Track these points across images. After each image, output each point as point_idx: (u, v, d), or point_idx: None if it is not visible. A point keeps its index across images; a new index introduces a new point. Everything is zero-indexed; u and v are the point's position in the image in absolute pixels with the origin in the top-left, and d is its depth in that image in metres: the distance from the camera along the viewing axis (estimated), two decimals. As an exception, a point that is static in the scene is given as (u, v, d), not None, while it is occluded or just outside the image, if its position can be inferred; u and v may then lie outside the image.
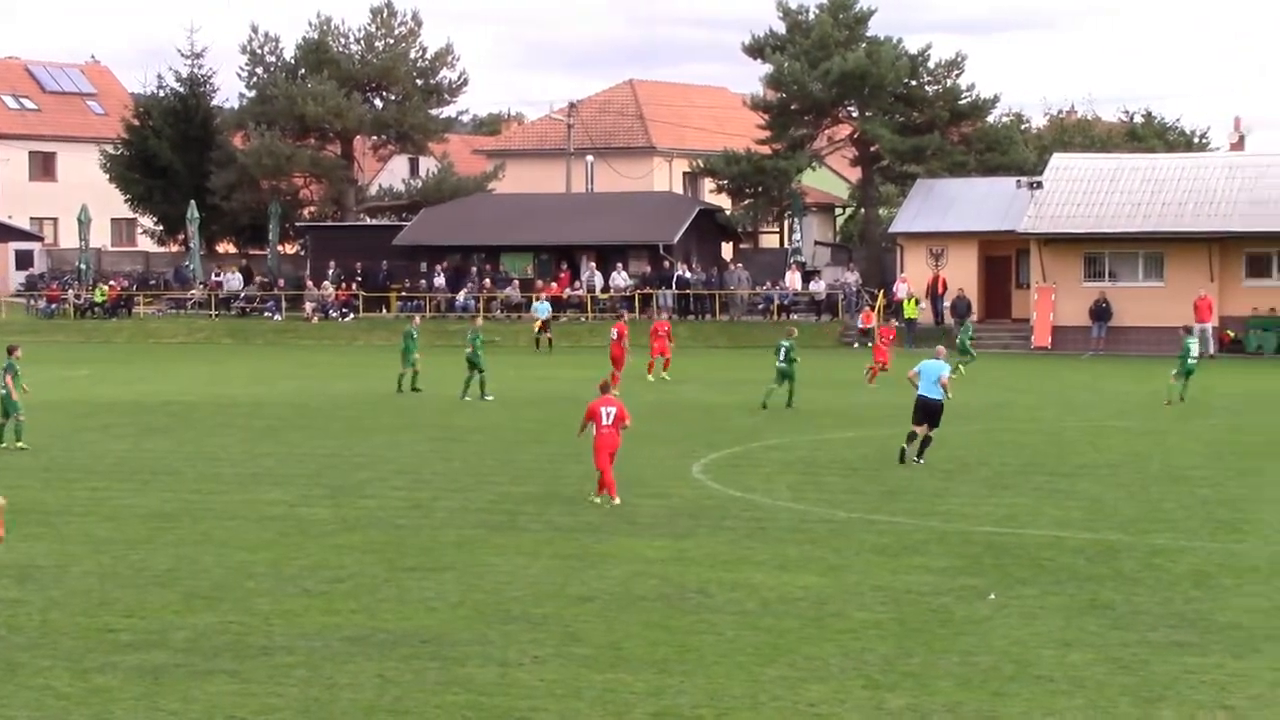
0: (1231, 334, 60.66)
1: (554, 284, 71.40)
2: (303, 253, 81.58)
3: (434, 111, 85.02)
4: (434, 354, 52.95)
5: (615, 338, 46.33)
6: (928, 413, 28.97)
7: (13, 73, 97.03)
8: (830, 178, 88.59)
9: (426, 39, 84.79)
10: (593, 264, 71.67)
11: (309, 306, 73.41)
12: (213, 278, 78.05)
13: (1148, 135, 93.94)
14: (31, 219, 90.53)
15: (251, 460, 30.39)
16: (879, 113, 73.54)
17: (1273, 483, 27.11)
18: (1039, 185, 63.76)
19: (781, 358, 39.50)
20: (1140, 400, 42.39)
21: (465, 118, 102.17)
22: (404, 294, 72.55)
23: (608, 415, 24.74)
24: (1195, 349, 41.73)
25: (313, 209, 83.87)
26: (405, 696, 14.64)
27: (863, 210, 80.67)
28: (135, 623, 17.29)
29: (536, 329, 62.86)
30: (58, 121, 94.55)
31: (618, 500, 24.67)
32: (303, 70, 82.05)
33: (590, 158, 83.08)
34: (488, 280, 72.29)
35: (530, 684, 14.98)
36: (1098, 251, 63.26)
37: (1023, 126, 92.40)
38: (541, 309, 63.78)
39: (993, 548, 21.13)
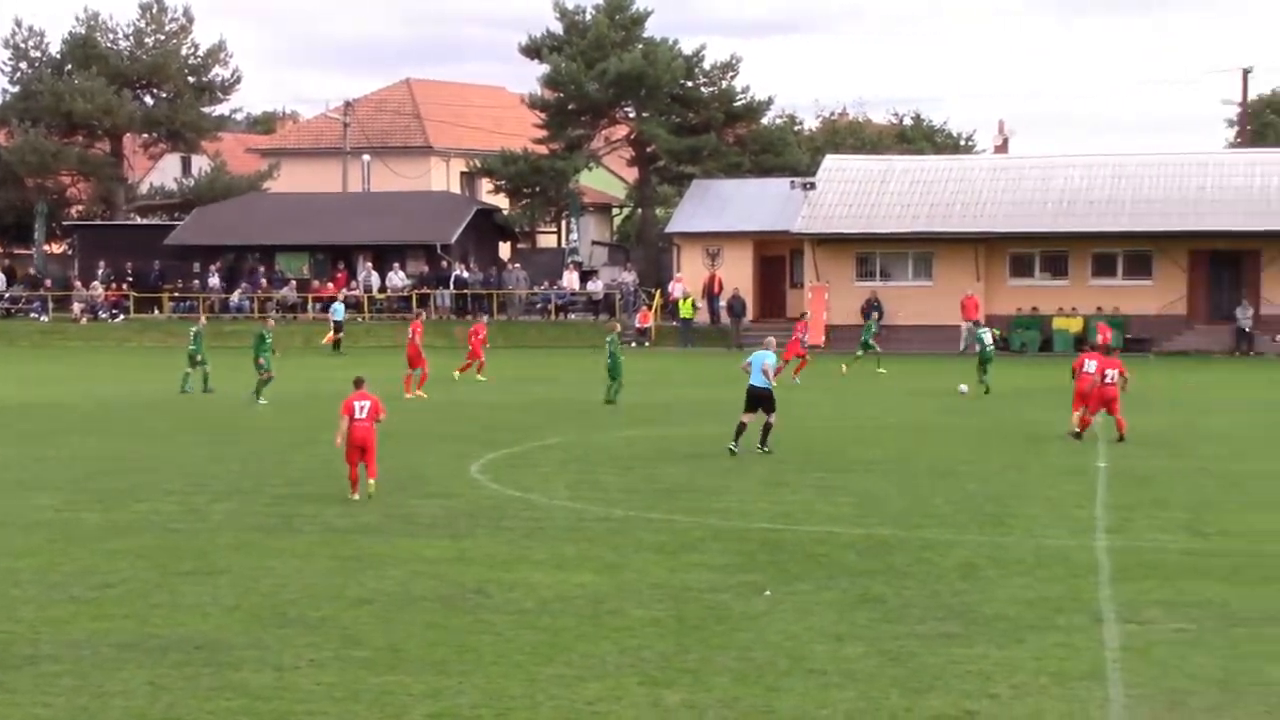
0: (997, 332, 62.19)
1: (330, 284, 70.75)
2: (70, 252, 79.76)
3: (206, 109, 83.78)
4: (208, 355, 52.14)
5: (411, 336, 45.67)
6: (758, 400, 30.39)
7: None
8: (607, 178, 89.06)
9: (198, 35, 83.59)
10: (369, 264, 71.16)
11: (77, 307, 71.80)
12: (-25, 278, 75.93)
13: (917, 137, 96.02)
14: None
15: (18, 465, 29.63)
16: (655, 114, 74.13)
17: (1036, 477, 27.88)
18: (812, 186, 64.81)
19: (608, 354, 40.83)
20: (910, 397, 43.28)
21: (239, 116, 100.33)
22: (177, 295, 71.29)
23: (361, 409, 25.28)
24: (988, 338, 43.38)
25: (81, 208, 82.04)
26: (178, 703, 14.40)
27: (639, 210, 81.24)
28: (-109, 634, 16.77)
29: (333, 330, 62.25)
30: None
31: (373, 484, 25.16)
32: (69, 66, 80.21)
33: (367, 157, 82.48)
34: (263, 280, 71.36)
35: (307, 688, 14.83)
36: (869, 251, 64.49)
37: (796, 128, 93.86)
38: (338, 310, 63.22)
39: (768, 544, 21.43)
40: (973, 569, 19.75)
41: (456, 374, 47.10)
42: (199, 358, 43.78)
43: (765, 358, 30.86)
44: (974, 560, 20.29)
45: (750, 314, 66.96)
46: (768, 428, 30.44)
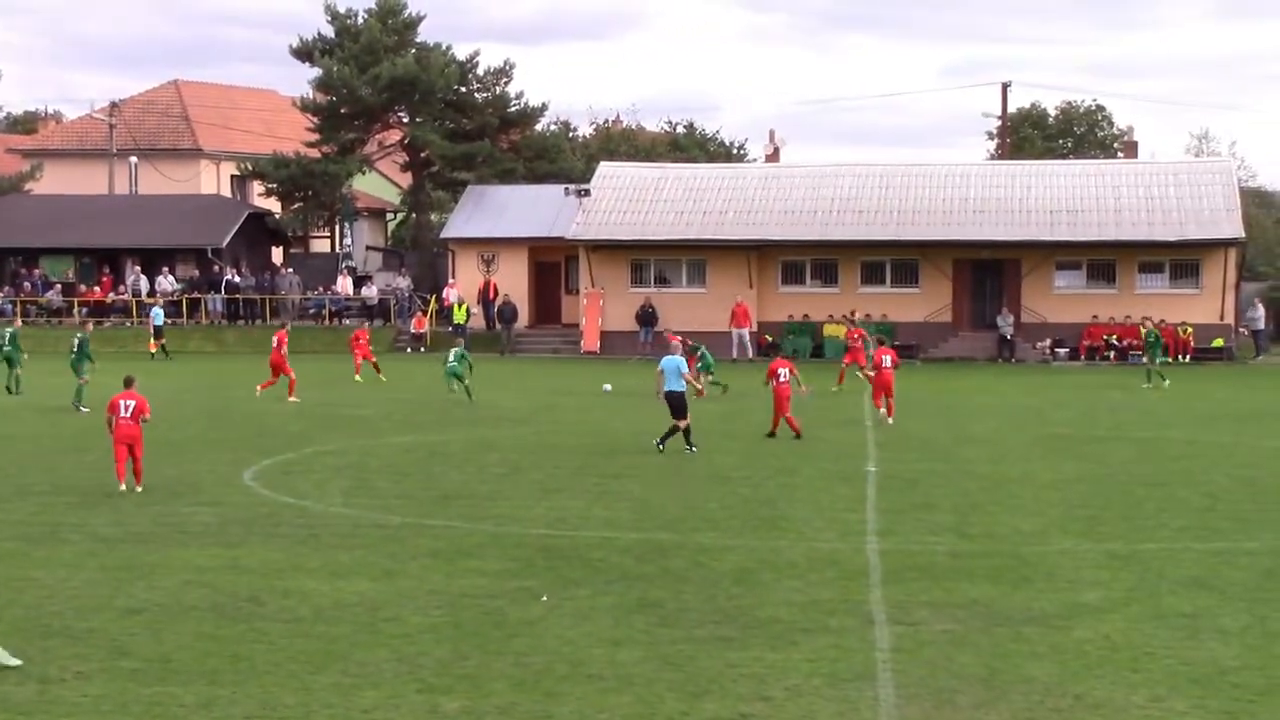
0: (769, 338, 63.10)
1: (97, 288, 69.23)
2: None
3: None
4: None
5: (276, 345, 44.38)
6: (678, 406, 31.82)
7: None
8: (381, 183, 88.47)
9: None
10: (138, 268, 69.77)
11: None
12: None
13: (690, 145, 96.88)
14: None
15: None
16: (429, 119, 73.84)
17: (806, 482, 28.31)
18: (587, 193, 65.10)
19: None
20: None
21: (2, 115, 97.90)
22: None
23: (126, 408, 26.32)
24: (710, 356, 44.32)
25: None
26: (-62, 719, 14.00)
27: (414, 215, 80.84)
28: None
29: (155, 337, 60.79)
30: None
31: (139, 488, 26.06)
32: None
33: (134, 159, 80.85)
34: (26, 284, 69.56)
35: (73, 700, 14.50)
36: (644, 258, 64.95)
37: (570, 135, 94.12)
38: (157, 315, 61.83)
39: (545, 550, 21.47)
40: (747, 573, 20.00)
41: (382, 377, 48.02)
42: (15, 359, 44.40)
43: (679, 363, 32.26)
44: (748, 564, 20.54)
45: (525, 320, 67.02)
46: (688, 430, 31.95)
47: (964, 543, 22.31)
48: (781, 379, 34.61)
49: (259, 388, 43.75)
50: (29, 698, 14.57)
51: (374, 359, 50.43)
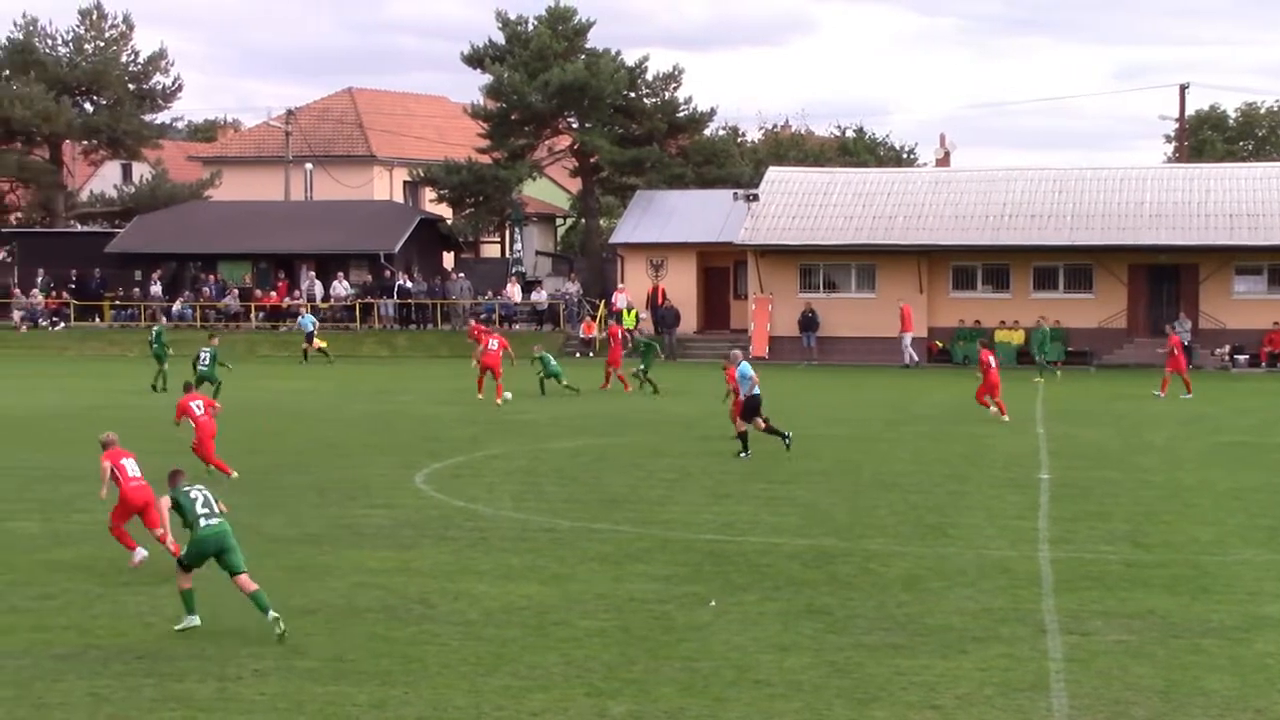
0: (940, 344, 62.55)
1: (273, 293, 70.45)
2: (9, 259, 79.12)
3: (147, 117, 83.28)
4: (149, 363, 51.84)
5: (485, 346, 44.75)
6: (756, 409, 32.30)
7: None
8: (551, 188, 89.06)
9: (139, 42, 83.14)
10: (312, 273, 70.87)
11: (17, 315, 71.22)
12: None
13: (859, 150, 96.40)
14: None
15: (-44, 474, 29.37)
16: (598, 124, 74.16)
17: (977, 489, 28.00)
18: (755, 198, 64.95)
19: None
20: (851, 409, 43.42)
21: (180, 124, 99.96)
22: (118, 303, 70.81)
23: (199, 407, 28.58)
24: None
25: (19, 214, 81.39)
26: (119, 714, 14.31)
27: (583, 221, 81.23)
28: None
29: (305, 341, 61.74)
30: None
31: (235, 474, 28.19)
32: (7, 72, 79.60)
33: (309, 166, 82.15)
34: (205, 289, 70.99)
35: (250, 698, 14.77)
36: (812, 263, 64.66)
37: (739, 140, 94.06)
38: (306, 322, 62.84)
39: (713, 555, 21.46)
40: (916, 580, 19.83)
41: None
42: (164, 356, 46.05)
43: (746, 369, 32.68)
44: (917, 572, 20.37)
45: (694, 325, 67.07)
46: (770, 429, 32.56)
47: (1139, 552, 21.93)
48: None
49: (497, 397, 43.67)
50: (209, 695, 14.86)
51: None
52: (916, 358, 60.79)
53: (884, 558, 21.30)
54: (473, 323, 44.58)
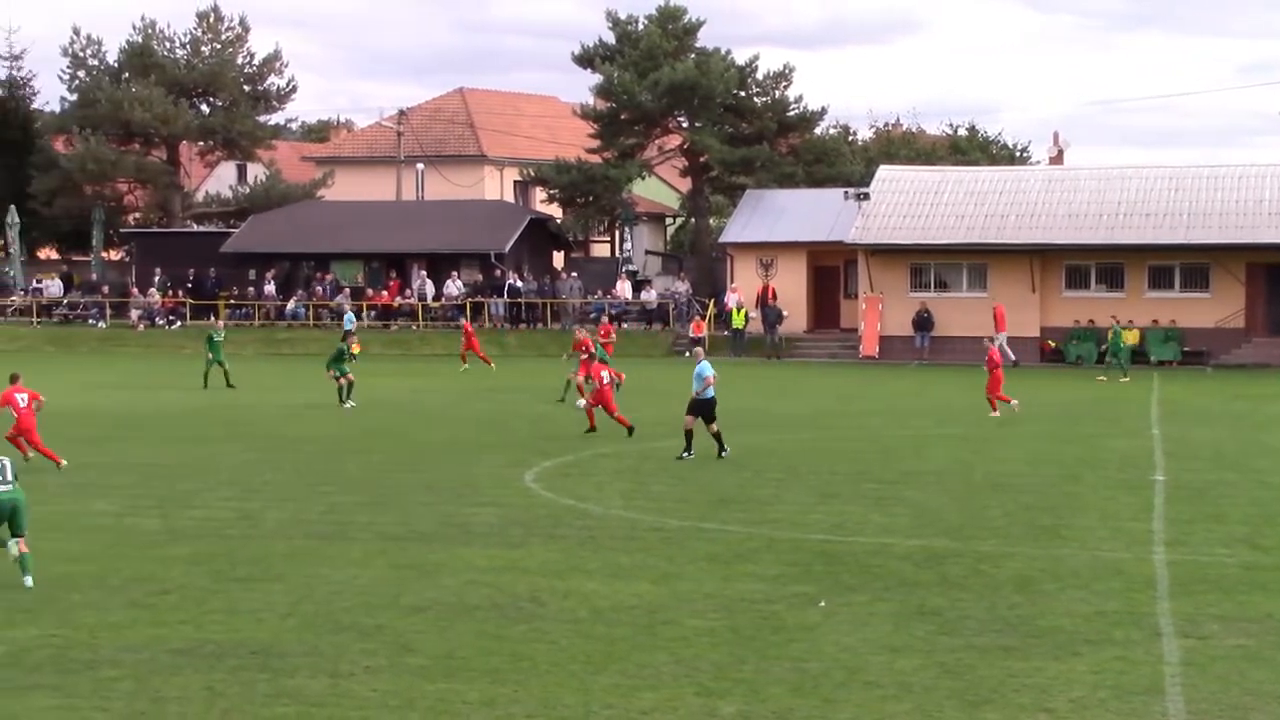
0: (1053, 344, 61.96)
1: (384, 292, 71.00)
2: (128, 259, 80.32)
3: (262, 118, 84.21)
4: (262, 362, 52.55)
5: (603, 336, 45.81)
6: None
7: None
8: (660, 187, 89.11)
9: (254, 44, 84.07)
10: (424, 272, 71.35)
11: (135, 314, 72.25)
12: (33, 284, 76.46)
13: (971, 148, 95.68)
14: None
15: (76, 470, 29.81)
16: (708, 123, 74.13)
17: (1090, 489, 27.72)
18: (866, 197, 64.65)
19: None
20: (963, 409, 43.10)
21: (294, 125, 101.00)
22: (233, 301, 71.67)
23: (23, 400, 29.83)
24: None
25: (138, 215, 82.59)
26: (234, 709, 14.46)
27: (693, 220, 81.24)
28: (-45, 637, 16.91)
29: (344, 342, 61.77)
30: None
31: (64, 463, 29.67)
32: (127, 74, 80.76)
33: (421, 166, 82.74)
34: (318, 288, 71.68)
35: (362, 694, 14.87)
36: (923, 262, 64.28)
37: (850, 139, 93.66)
38: (348, 320, 63.24)
39: (823, 555, 21.37)
40: (1029, 582, 19.64)
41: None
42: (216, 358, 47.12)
43: (705, 368, 31.72)
44: (1029, 573, 20.18)
45: (804, 324, 66.87)
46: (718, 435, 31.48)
47: (1258, 555, 21.60)
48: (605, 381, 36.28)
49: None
50: (321, 690, 14.98)
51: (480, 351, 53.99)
52: (1014, 357, 60.17)
53: (996, 559, 21.12)
54: (582, 334, 44.41)
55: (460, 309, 68.57)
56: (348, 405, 41.16)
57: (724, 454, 31.25)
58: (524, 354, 65.01)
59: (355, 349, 59.29)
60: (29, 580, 19.24)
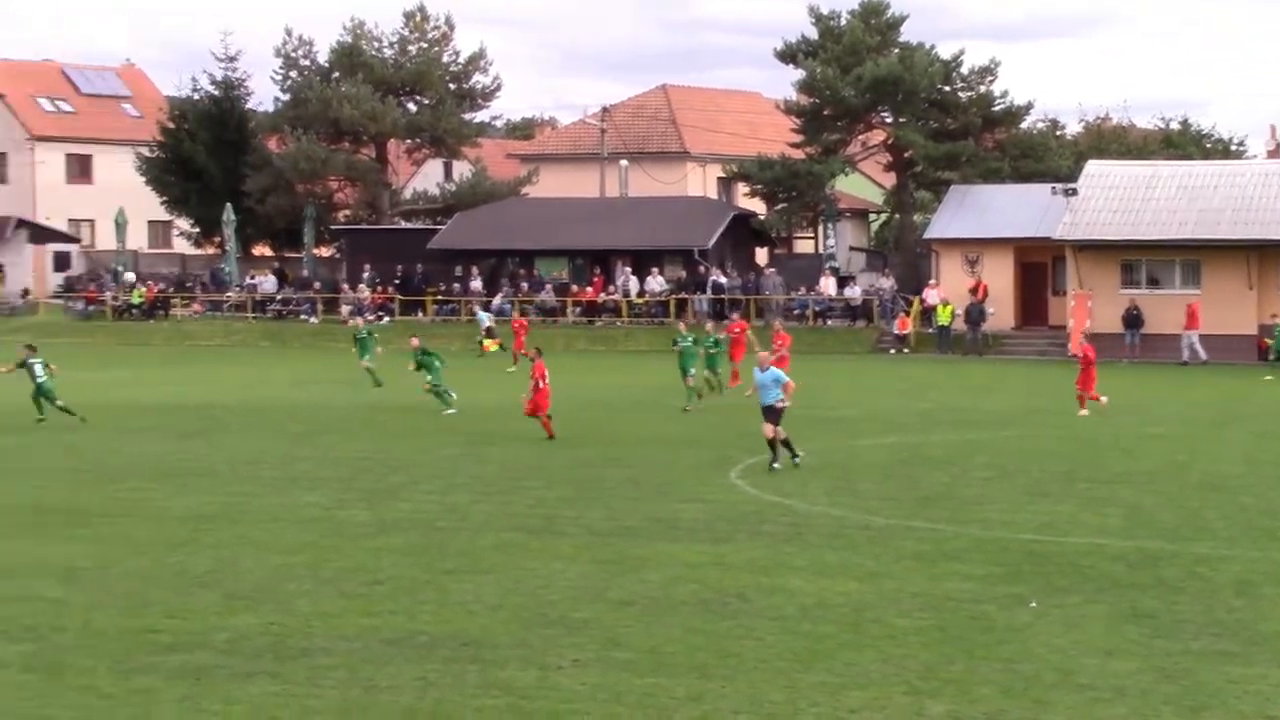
0: (1269, 341, 60.34)
1: (589, 288, 71.45)
2: (338, 255, 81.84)
3: (467, 116, 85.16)
4: (468, 357, 53.21)
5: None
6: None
7: (49, 75, 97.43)
8: (864, 183, 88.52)
9: (460, 43, 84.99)
10: (628, 268, 71.65)
11: (345, 309, 73.61)
12: (247, 280, 78.28)
13: (1184, 143, 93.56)
14: (69, 221, 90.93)
15: (289, 463, 30.46)
16: (912, 119, 73.42)
17: (1313, 491, 26.95)
18: (1074, 192, 63.53)
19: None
20: (1176, 408, 42.21)
21: (499, 122, 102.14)
22: (440, 297, 72.63)
23: None
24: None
25: (348, 212, 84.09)
26: (445, 699, 14.65)
27: (897, 216, 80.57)
28: (176, 624, 17.34)
29: (482, 336, 61.89)
30: (93, 124, 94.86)
31: None
32: (336, 74, 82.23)
33: (624, 162, 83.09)
34: (523, 284, 72.38)
35: (571, 688, 14.97)
36: (1134, 259, 62.99)
37: (1058, 133, 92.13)
38: (484, 317, 63.55)
39: (1033, 555, 21.05)
40: (1249, 585, 19.15)
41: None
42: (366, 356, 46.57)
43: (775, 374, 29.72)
44: (1250, 576, 19.67)
45: (1010, 321, 65.97)
46: (787, 441, 29.50)
47: None
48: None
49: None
50: (531, 683, 15.11)
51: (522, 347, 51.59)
52: (1205, 355, 58.70)
53: (1213, 561, 20.62)
54: (778, 325, 44.08)
55: (663, 305, 68.75)
56: (447, 411, 39.57)
57: (775, 467, 29.07)
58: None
59: (491, 347, 59.77)
60: None
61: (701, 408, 39.82)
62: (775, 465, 29.07)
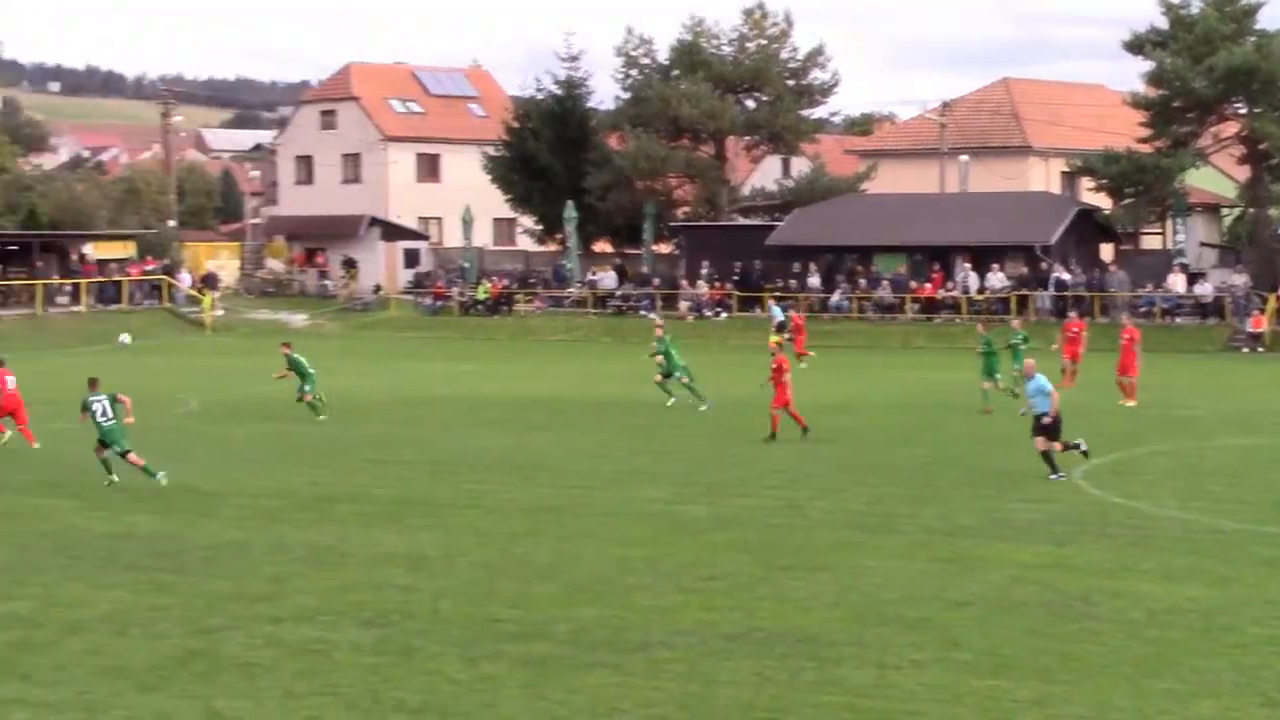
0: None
1: (927, 284, 70.76)
2: (677, 252, 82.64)
3: (805, 112, 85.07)
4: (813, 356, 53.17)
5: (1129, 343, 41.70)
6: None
7: (400, 77, 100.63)
8: (1216, 177, 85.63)
9: (798, 39, 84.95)
10: (968, 265, 70.71)
11: (683, 305, 74.29)
12: (588, 276, 79.62)
13: None
14: (419, 218, 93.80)
15: (629, 458, 30.85)
16: (1269, 109, 70.72)
17: None
18: None
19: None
20: None
21: (837, 118, 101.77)
22: (778, 294, 72.77)
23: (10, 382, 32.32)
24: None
25: (686, 209, 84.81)
26: (782, 695, 14.64)
27: (1251, 210, 77.77)
28: (520, 613, 17.71)
29: (774, 332, 61.14)
30: (442, 124, 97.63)
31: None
32: (676, 71, 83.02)
33: (964, 157, 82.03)
34: (860, 280, 72.06)
35: (909, 687, 14.82)
36: None
37: None
38: (777, 311, 62.85)
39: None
40: None
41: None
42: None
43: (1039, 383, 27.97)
44: None
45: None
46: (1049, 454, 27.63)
47: None
48: None
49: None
50: (868, 682, 15.01)
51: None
52: None
53: None
54: (1126, 321, 42.58)
55: (1003, 302, 67.65)
56: (702, 407, 39.17)
57: (1058, 476, 27.24)
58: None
59: (777, 342, 58.75)
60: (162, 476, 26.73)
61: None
62: (1054, 477, 27.15)
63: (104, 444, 27.54)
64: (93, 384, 28.07)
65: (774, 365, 33.94)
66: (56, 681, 15.18)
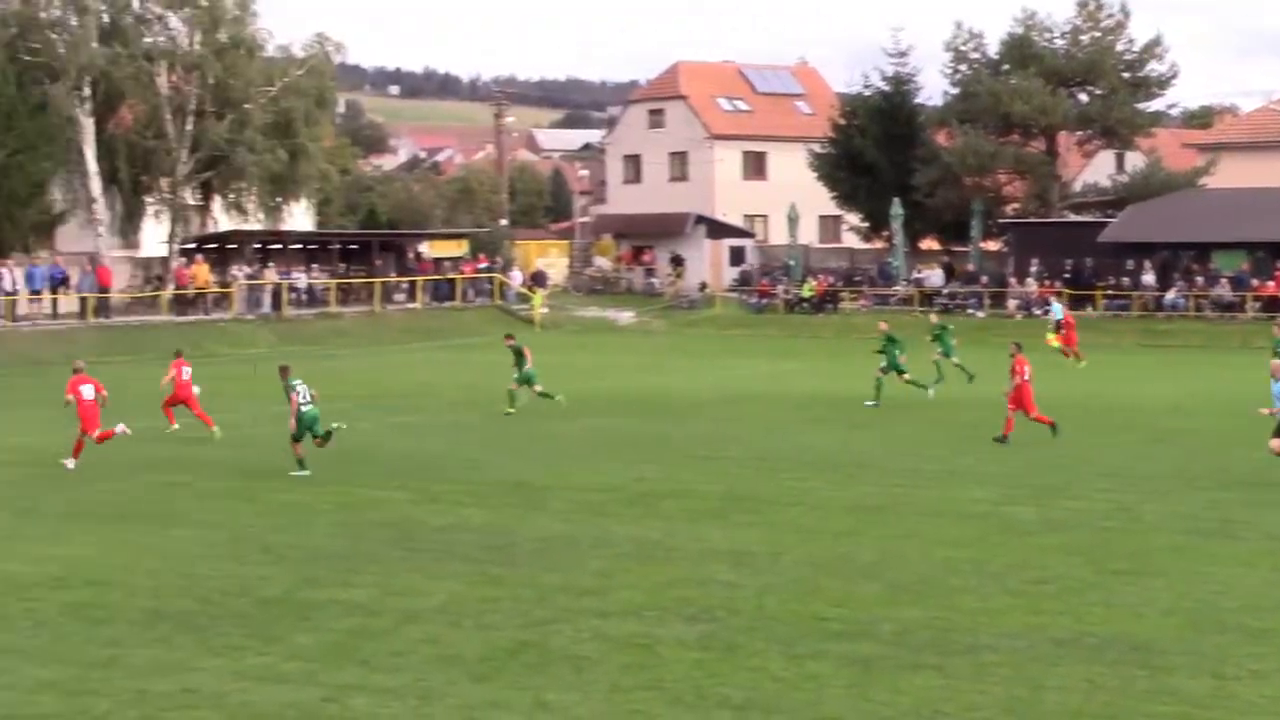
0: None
1: (1270, 282, 68.32)
2: (1005, 249, 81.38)
3: (1141, 105, 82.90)
4: (1140, 353, 51.86)
5: None
6: None
7: (727, 76, 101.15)
8: None
9: (1134, 30, 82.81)
10: (1309, 261, 68.03)
11: (1012, 303, 73.12)
12: (914, 274, 78.91)
13: None
14: (744, 216, 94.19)
15: (953, 457, 30.47)
16: None
17: None
18: None
19: None
20: None
21: (1174, 111, 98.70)
22: (1109, 292, 71.09)
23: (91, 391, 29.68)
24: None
25: (1016, 205, 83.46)
26: (1113, 703, 14.28)
27: None
28: (844, 612, 17.62)
29: (1050, 330, 59.00)
30: (768, 122, 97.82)
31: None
32: (1006, 66, 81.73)
33: (1312, 149, 78.85)
34: (1198, 278, 69.92)
35: (1248, 699, 14.31)
36: None
37: None
38: (1057, 309, 60.65)
39: None
40: None
41: None
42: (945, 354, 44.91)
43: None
44: None
45: None
46: None
47: None
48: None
49: None
50: (1204, 692, 14.55)
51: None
52: None
53: None
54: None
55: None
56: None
57: None
58: None
59: (1053, 342, 56.83)
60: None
61: None
62: None
63: (298, 434, 28.31)
64: (284, 371, 29.32)
65: (1013, 366, 33.22)
66: (395, 668, 15.62)
